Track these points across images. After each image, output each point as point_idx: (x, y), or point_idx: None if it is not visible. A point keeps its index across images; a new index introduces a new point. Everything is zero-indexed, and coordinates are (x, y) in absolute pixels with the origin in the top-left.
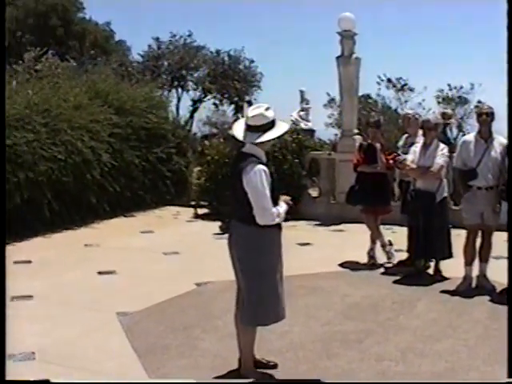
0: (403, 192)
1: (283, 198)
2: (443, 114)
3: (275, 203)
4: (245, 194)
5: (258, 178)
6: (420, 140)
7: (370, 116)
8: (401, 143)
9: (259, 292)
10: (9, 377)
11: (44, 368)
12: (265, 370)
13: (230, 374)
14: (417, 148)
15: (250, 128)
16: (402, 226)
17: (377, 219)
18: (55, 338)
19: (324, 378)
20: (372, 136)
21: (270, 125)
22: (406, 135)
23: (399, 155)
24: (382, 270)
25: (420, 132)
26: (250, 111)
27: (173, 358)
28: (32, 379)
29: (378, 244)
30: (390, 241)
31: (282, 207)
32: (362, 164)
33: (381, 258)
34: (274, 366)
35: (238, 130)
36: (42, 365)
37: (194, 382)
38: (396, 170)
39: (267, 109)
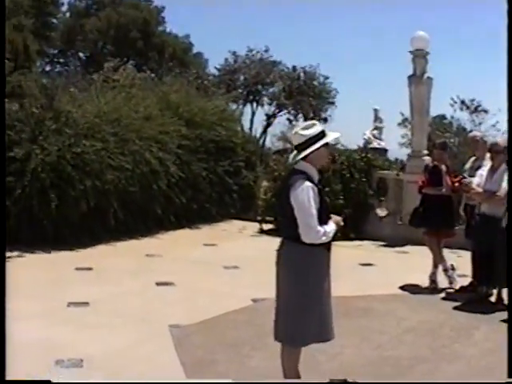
0: (468, 216)
1: (334, 218)
2: None
3: (325, 222)
4: (292, 211)
5: (305, 195)
6: (487, 163)
7: (440, 137)
8: (467, 166)
9: (301, 311)
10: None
11: (89, 376)
12: None
13: None
14: (483, 171)
15: (295, 148)
16: (467, 250)
17: (440, 242)
18: (105, 347)
19: None
20: (438, 158)
21: (315, 139)
22: (474, 158)
23: (465, 178)
24: (442, 294)
25: (488, 155)
26: (292, 130)
27: (220, 374)
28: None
29: (441, 268)
30: (452, 265)
31: (330, 226)
32: (427, 186)
33: (443, 282)
34: None
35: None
36: (89, 373)
37: (199, 382)
38: (462, 193)
39: (307, 127)
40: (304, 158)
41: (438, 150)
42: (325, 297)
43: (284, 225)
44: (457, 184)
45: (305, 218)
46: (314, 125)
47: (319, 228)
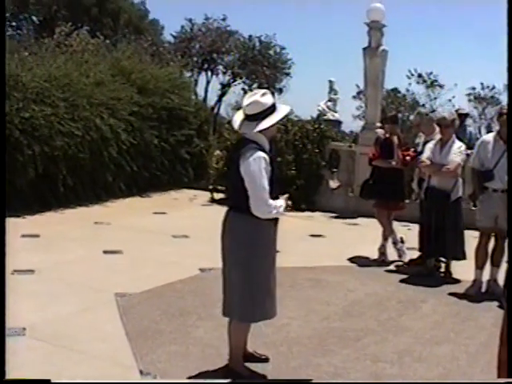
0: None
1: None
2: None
3: (276, 193)
4: (242, 182)
5: (256, 166)
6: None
7: (393, 111)
8: (418, 140)
9: (249, 287)
10: None
11: (32, 345)
12: (255, 364)
13: (218, 371)
14: (432, 145)
15: (247, 117)
16: (416, 223)
17: (389, 215)
18: (49, 315)
19: (314, 376)
20: (389, 131)
21: (269, 111)
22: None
23: (419, 153)
24: (391, 267)
25: (437, 130)
26: (246, 99)
27: (164, 344)
28: (33, 378)
29: (390, 241)
30: (401, 238)
31: (280, 202)
32: (378, 158)
33: (392, 255)
34: (266, 360)
35: (236, 120)
36: (31, 341)
37: (199, 382)
38: (414, 167)
39: (263, 94)
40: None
41: (389, 123)
42: (271, 271)
43: (232, 195)
44: (408, 157)
45: (256, 190)
46: (268, 93)
47: (271, 202)
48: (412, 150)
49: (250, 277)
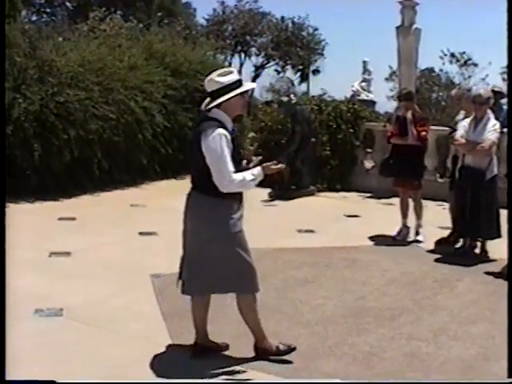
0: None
1: (265, 164)
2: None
3: (240, 170)
4: (204, 160)
5: (217, 143)
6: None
7: (429, 90)
8: (460, 117)
9: (239, 260)
10: (32, 331)
11: (69, 325)
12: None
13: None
14: (466, 123)
15: (209, 95)
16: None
17: (406, 193)
18: (86, 297)
19: (349, 355)
20: (405, 109)
21: (228, 89)
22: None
23: (454, 130)
24: (427, 246)
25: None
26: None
27: None
28: (36, 379)
29: (404, 221)
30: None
31: (249, 173)
32: (395, 136)
33: (430, 235)
34: (226, 348)
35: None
36: (68, 322)
37: (204, 382)
38: (451, 144)
39: (221, 74)
40: (218, 106)
41: (404, 101)
42: (246, 248)
43: (194, 175)
44: (423, 133)
45: (218, 166)
46: (230, 72)
47: (234, 177)
48: (427, 125)
49: (215, 253)
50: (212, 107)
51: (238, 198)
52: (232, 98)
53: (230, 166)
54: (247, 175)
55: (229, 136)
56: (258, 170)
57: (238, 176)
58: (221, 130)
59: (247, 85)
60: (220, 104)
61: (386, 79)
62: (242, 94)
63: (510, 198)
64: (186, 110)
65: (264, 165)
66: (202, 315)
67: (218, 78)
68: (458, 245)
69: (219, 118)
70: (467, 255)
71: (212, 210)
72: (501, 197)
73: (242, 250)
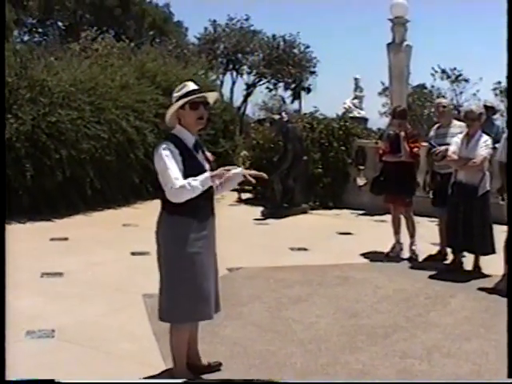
0: (436, 184)
1: (215, 172)
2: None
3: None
4: (157, 177)
5: (160, 157)
6: (454, 130)
7: (421, 107)
8: (432, 134)
9: (169, 286)
10: (23, 353)
11: (61, 346)
12: (283, 361)
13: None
14: (458, 139)
15: None
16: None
17: (398, 210)
18: (78, 317)
19: (343, 373)
20: (398, 127)
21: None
22: (437, 125)
23: (434, 146)
24: (419, 263)
25: (453, 122)
26: None
27: None
28: (37, 378)
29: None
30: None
31: (198, 179)
32: (387, 153)
33: (423, 251)
34: (219, 366)
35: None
36: (60, 343)
37: (198, 382)
38: (430, 160)
39: (178, 89)
40: (180, 122)
41: (398, 119)
42: (200, 271)
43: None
44: (415, 149)
45: (163, 176)
46: (184, 86)
47: (177, 182)
48: (424, 141)
49: (170, 275)
50: (168, 123)
51: (199, 215)
52: (179, 111)
53: (174, 174)
54: (192, 180)
55: (176, 150)
56: (205, 175)
57: (182, 181)
58: (164, 145)
59: (191, 96)
60: (180, 119)
61: (379, 93)
62: (192, 107)
63: (509, 209)
64: None
65: (214, 172)
66: (180, 343)
67: (174, 94)
68: (448, 261)
69: (178, 134)
70: (460, 272)
71: (169, 227)
72: (494, 212)
73: (190, 273)
